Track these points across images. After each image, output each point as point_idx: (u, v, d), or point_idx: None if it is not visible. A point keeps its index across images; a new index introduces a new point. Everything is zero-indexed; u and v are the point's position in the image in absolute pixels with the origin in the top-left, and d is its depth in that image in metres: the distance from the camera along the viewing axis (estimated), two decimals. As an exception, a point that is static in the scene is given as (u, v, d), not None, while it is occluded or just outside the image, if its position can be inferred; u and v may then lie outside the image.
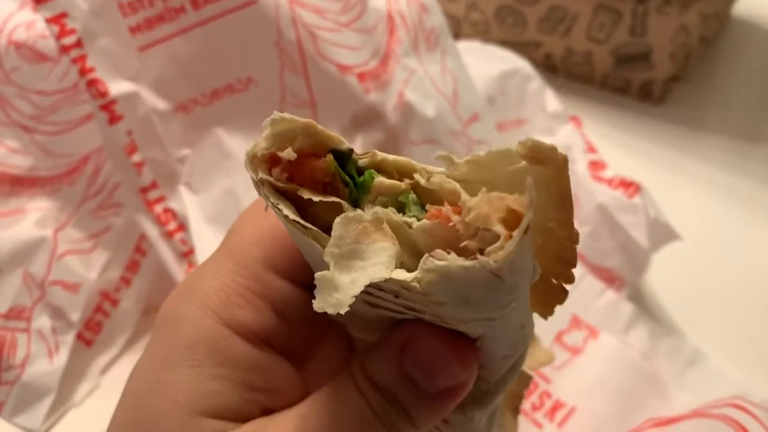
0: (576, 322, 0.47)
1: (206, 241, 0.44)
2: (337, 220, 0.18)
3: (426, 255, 0.17)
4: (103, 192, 0.48)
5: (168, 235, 0.45)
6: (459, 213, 0.18)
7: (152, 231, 0.45)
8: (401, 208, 0.19)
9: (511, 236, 0.17)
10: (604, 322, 0.48)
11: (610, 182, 0.50)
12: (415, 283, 0.17)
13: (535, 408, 0.45)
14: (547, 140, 0.58)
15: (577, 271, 0.49)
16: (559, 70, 0.69)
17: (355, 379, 0.22)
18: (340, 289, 0.17)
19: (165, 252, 0.45)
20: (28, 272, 0.46)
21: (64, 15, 0.42)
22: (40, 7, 0.42)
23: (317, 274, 0.17)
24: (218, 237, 0.42)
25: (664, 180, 0.58)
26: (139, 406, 0.23)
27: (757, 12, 0.75)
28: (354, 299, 0.16)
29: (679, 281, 0.51)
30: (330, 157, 0.19)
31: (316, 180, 0.19)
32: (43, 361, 0.45)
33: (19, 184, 0.48)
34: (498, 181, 0.19)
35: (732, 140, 0.63)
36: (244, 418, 0.22)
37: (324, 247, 0.18)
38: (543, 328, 0.47)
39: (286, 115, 0.19)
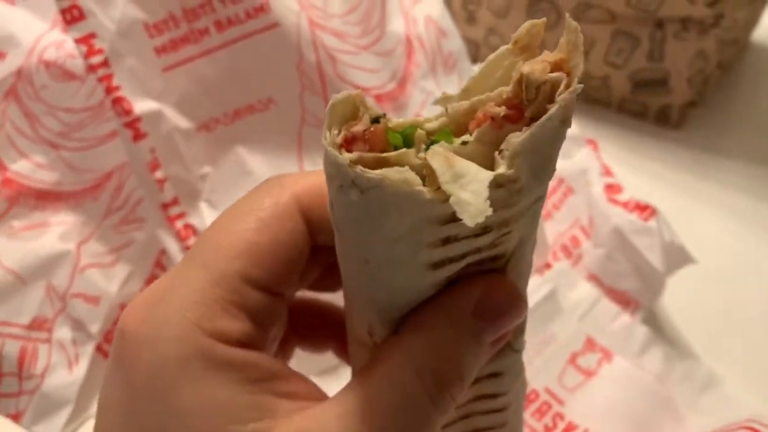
0: (590, 344, 0.47)
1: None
2: (428, 156, 0.20)
3: (498, 150, 0.20)
4: (125, 207, 0.49)
5: (188, 251, 0.46)
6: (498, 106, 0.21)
7: (172, 246, 0.46)
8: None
9: (570, 74, 0.20)
10: (619, 345, 0.48)
11: (625, 205, 0.50)
12: (510, 171, 0.20)
13: (547, 430, 0.45)
14: (563, 163, 0.59)
15: (592, 293, 0.50)
16: (576, 94, 0.70)
17: (408, 353, 0.23)
18: (471, 203, 0.18)
19: (184, 267, 0.46)
20: (51, 284, 0.47)
21: (92, 35, 0.44)
22: (70, 27, 0.43)
23: (452, 200, 0.19)
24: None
25: (681, 204, 0.58)
26: None
27: (776, 39, 0.76)
28: (488, 203, 0.18)
29: (694, 305, 0.51)
30: (385, 121, 0.21)
31: (377, 145, 0.21)
32: (63, 372, 0.46)
33: (44, 198, 0.50)
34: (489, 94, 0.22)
35: (749, 166, 0.63)
36: (264, 412, 0.23)
37: (419, 189, 0.20)
38: (556, 349, 0.47)
39: (341, 95, 0.21)
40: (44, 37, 0.49)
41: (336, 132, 0.21)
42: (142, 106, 0.45)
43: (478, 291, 0.24)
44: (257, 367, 0.24)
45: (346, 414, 0.23)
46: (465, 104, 0.22)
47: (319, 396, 0.26)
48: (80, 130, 0.49)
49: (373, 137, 0.20)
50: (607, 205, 0.51)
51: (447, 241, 0.22)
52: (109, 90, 0.44)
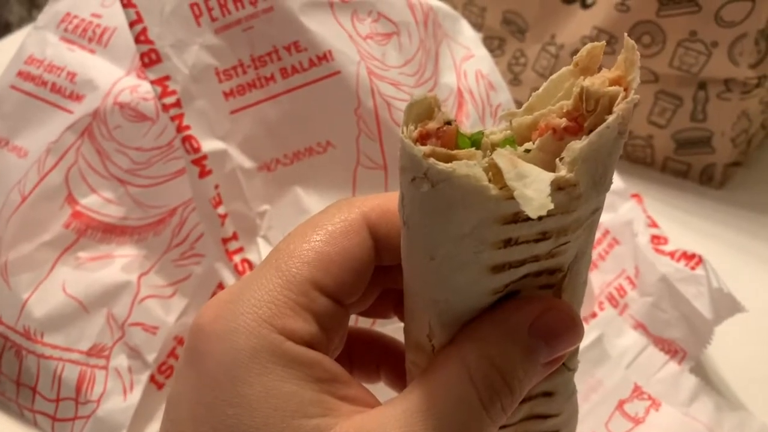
0: (638, 391, 0.47)
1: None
2: (495, 157, 0.21)
3: (559, 157, 0.21)
4: (185, 242, 0.51)
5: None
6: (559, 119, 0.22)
7: (230, 279, 0.48)
8: None
9: (627, 89, 0.22)
10: (667, 393, 0.48)
11: (672, 255, 0.51)
12: (570, 174, 0.21)
13: (595, 476, 0.44)
14: (609, 216, 0.60)
15: (639, 341, 0.50)
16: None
17: (464, 362, 0.24)
18: (534, 198, 0.20)
19: (240, 299, 0.48)
20: (111, 313, 0.49)
21: (167, 78, 0.47)
22: (148, 69, 0.46)
23: (516, 194, 0.20)
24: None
25: (728, 258, 0.58)
26: (219, 426, 0.24)
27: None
28: (550, 198, 0.20)
29: (743, 355, 0.50)
30: (456, 123, 0.23)
31: (448, 145, 0.22)
32: (118, 398, 0.48)
33: (110, 231, 0.52)
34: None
35: (796, 225, 0.63)
36: (327, 410, 0.24)
37: (485, 184, 0.21)
38: (603, 395, 0.47)
39: (417, 95, 0.22)
40: (120, 82, 0.53)
41: (413, 128, 0.22)
42: (209, 145, 0.47)
43: (537, 309, 0.25)
44: (321, 367, 0.25)
45: (404, 415, 0.24)
46: (528, 118, 0.23)
47: (375, 403, 0.26)
48: (147, 169, 0.52)
49: (445, 136, 0.22)
50: (654, 254, 0.52)
51: (508, 243, 0.23)
52: (179, 129, 0.47)
